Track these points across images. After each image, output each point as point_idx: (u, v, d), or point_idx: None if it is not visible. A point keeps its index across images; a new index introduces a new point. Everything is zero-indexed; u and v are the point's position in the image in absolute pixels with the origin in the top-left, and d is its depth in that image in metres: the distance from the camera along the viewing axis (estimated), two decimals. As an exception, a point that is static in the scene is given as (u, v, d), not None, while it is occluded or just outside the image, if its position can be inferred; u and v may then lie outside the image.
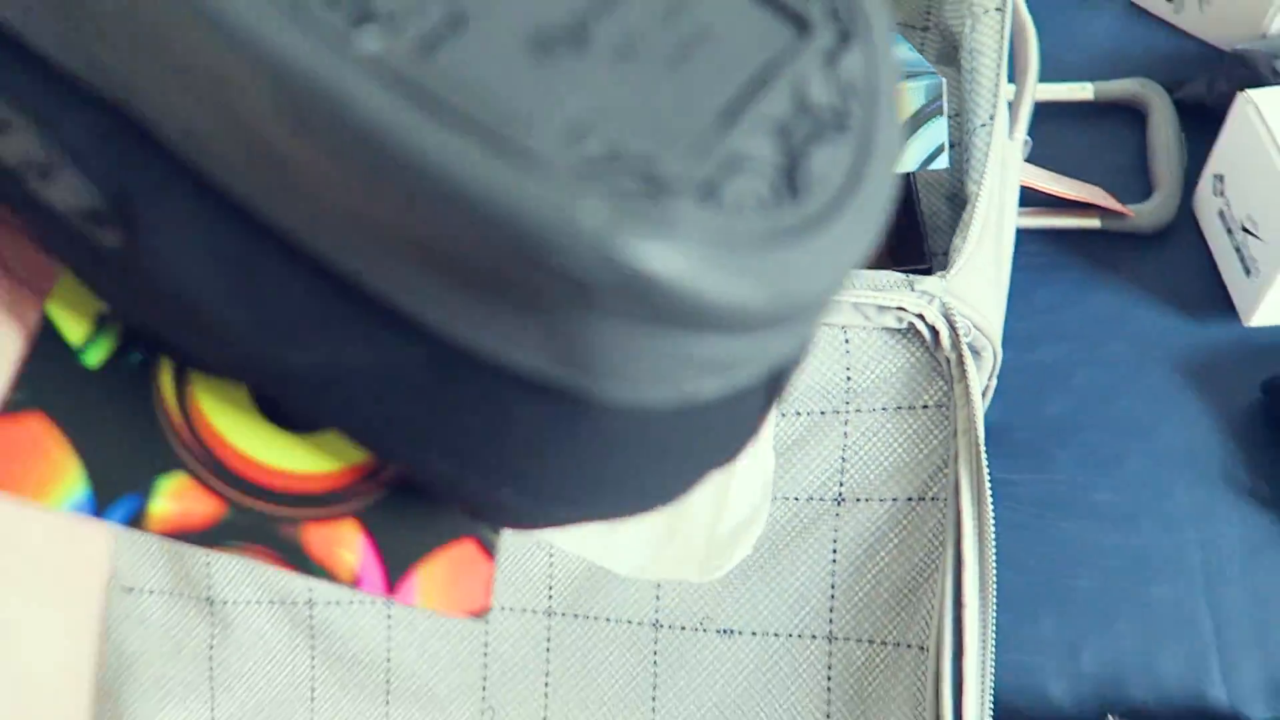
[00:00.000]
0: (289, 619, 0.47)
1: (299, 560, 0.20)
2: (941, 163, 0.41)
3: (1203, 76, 0.55)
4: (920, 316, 0.39)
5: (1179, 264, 0.53)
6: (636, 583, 0.45)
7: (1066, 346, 0.52)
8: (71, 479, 0.20)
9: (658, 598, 0.44)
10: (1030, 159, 0.53)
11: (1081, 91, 0.57)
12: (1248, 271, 0.49)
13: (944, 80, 0.40)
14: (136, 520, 0.20)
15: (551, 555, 0.45)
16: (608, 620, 0.45)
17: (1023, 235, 0.55)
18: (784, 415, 0.42)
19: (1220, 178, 0.50)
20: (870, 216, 0.15)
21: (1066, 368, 0.52)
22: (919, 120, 0.40)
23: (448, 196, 0.13)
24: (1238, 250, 0.50)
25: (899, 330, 0.40)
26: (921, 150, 0.40)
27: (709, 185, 0.14)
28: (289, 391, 0.17)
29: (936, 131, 0.40)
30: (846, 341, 0.41)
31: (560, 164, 0.14)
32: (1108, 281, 0.53)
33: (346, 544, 0.20)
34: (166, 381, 0.21)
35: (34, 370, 0.20)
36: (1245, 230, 0.49)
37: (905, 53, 0.45)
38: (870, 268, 0.40)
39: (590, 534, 0.33)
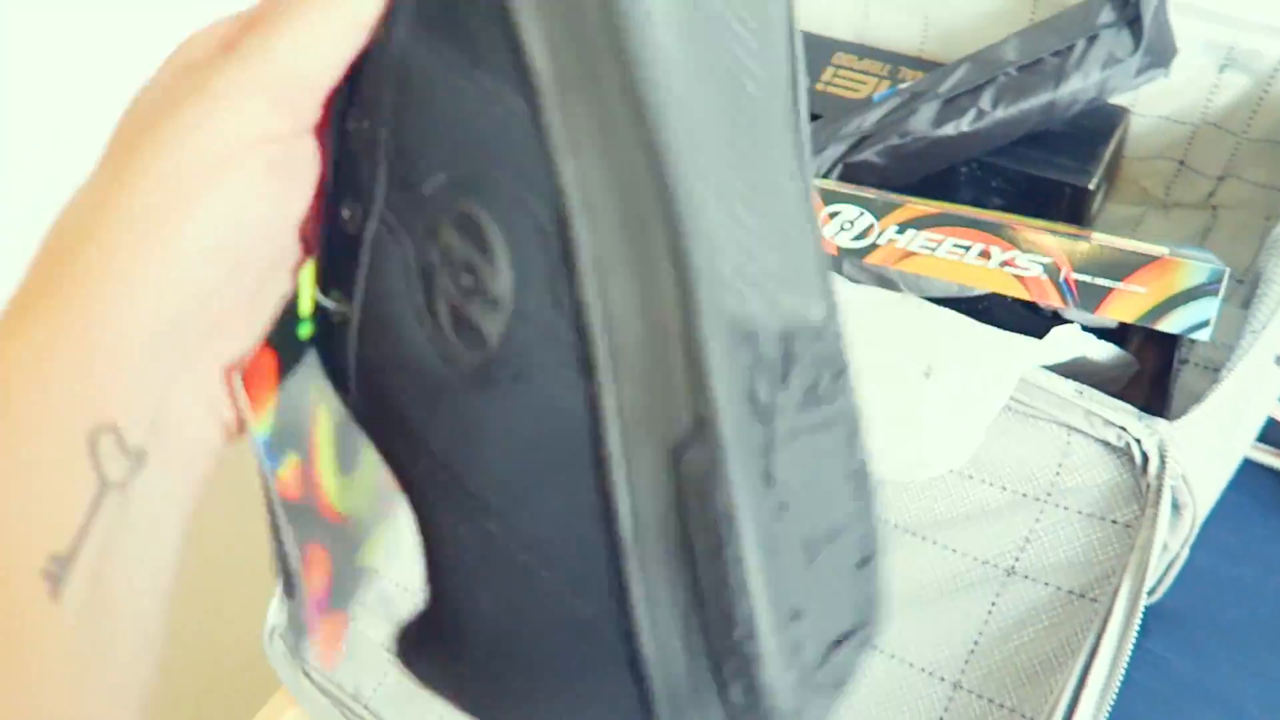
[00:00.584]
0: None
1: (304, 540, 0.25)
2: (1204, 336, 0.48)
3: None
4: (1138, 441, 0.46)
5: None
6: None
7: (1264, 576, 0.56)
8: (266, 421, 0.23)
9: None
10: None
11: (1367, 376, 0.61)
12: None
13: (1228, 270, 0.47)
14: (270, 473, 0.23)
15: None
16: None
17: (1261, 469, 0.60)
18: (989, 484, 0.49)
19: None
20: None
21: (1261, 593, 0.55)
22: (1194, 294, 0.47)
23: None
24: None
25: (1115, 447, 0.47)
26: (1188, 319, 0.48)
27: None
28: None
29: (1207, 308, 0.47)
30: (1068, 442, 0.48)
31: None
32: (1331, 538, 0.56)
33: (320, 567, 0.25)
34: (319, 383, 0.24)
35: (279, 319, 0.23)
36: None
37: (1200, 251, 0.53)
38: (1118, 397, 0.47)
39: None
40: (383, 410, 0.21)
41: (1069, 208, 0.67)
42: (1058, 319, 0.53)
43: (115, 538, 0.19)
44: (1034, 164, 0.67)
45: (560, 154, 0.18)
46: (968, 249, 0.51)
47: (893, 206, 0.52)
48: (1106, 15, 0.61)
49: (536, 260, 0.19)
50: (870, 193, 0.54)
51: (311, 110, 0.22)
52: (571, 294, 0.18)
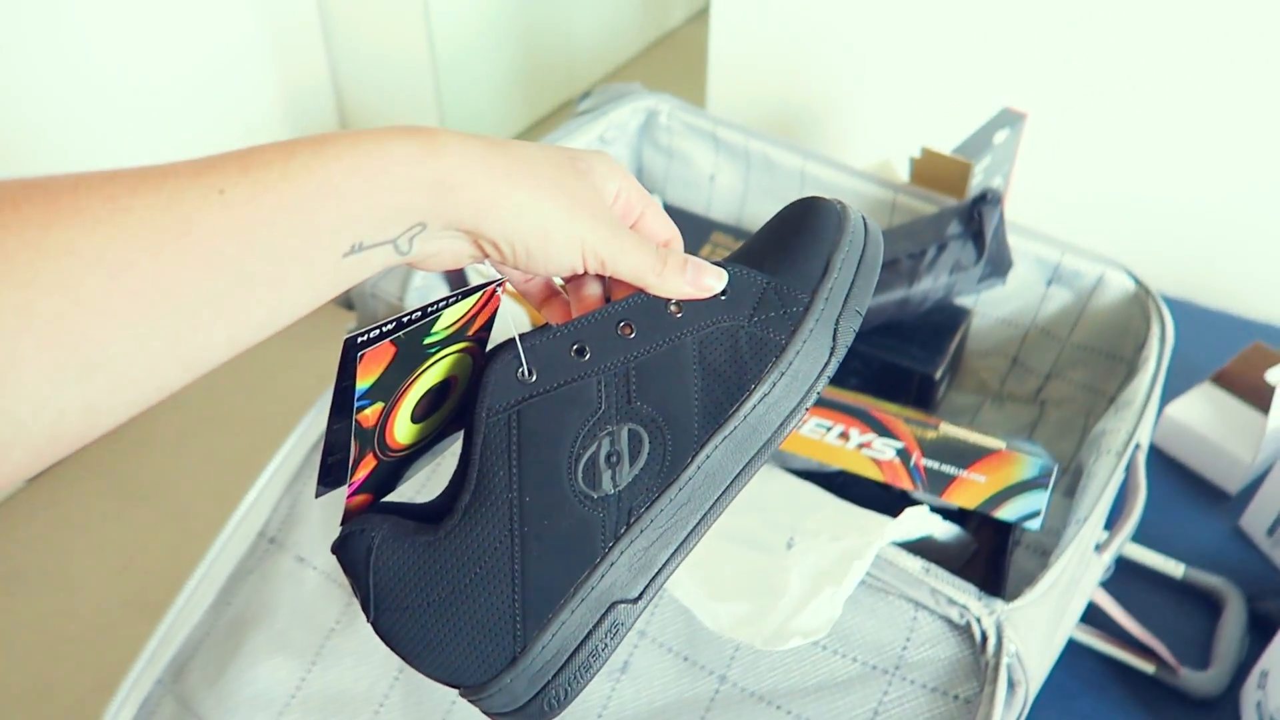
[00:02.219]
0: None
1: (355, 462, 0.36)
2: (1034, 525, 0.53)
3: (1278, 599, 0.65)
4: (978, 620, 0.49)
5: (1211, 733, 0.60)
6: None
7: (1091, 754, 0.59)
8: (370, 380, 0.34)
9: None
10: (1114, 597, 0.63)
11: (1174, 568, 0.68)
12: (1266, 755, 0.56)
13: (1057, 465, 0.53)
14: (359, 410, 0.35)
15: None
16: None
17: (1084, 649, 0.64)
18: (842, 656, 0.51)
19: (1265, 673, 0.59)
20: None
21: (1085, 771, 0.58)
22: (1027, 486, 0.52)
23: None
24: (1263, 737, 0.57)
25: (957, 625, 0.50)
26: (1021, 509, 0.52)
27: None
28: None
29: (1038, 500, 0.52)
30: (915, 617, 0.51)
31: None
32: (1143, 718, 0.61)
33: (366, 469, 0.37)
34: (422, 368, 0.36)
35: (413, 330, 0.35)
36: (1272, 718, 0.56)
37: (1031, 445, 0.58)
38: (958, 574, 0.51)
39: (697, 595, 0.44)
40: (509, 444, 0.35)
41: (917, 393, 0.73)
42: (906, 498, 0.57)
43: (365, 264, 0.32)
44: (888, 351, 0.73)
45: (688, 471, 0.35)
46: (829, 429, 0.55)
47: (763, 384, 0.56)
48: (954, 228, 0.69)
49: (646, 482, 0.35)
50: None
51: (588, 293, 0.38)
52: (639, 516, 0.35)
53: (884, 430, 0.54)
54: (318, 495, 0.38)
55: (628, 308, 0.36)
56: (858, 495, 0.57)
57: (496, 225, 0.33)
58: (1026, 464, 0.52)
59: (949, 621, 0.50)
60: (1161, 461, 0.78)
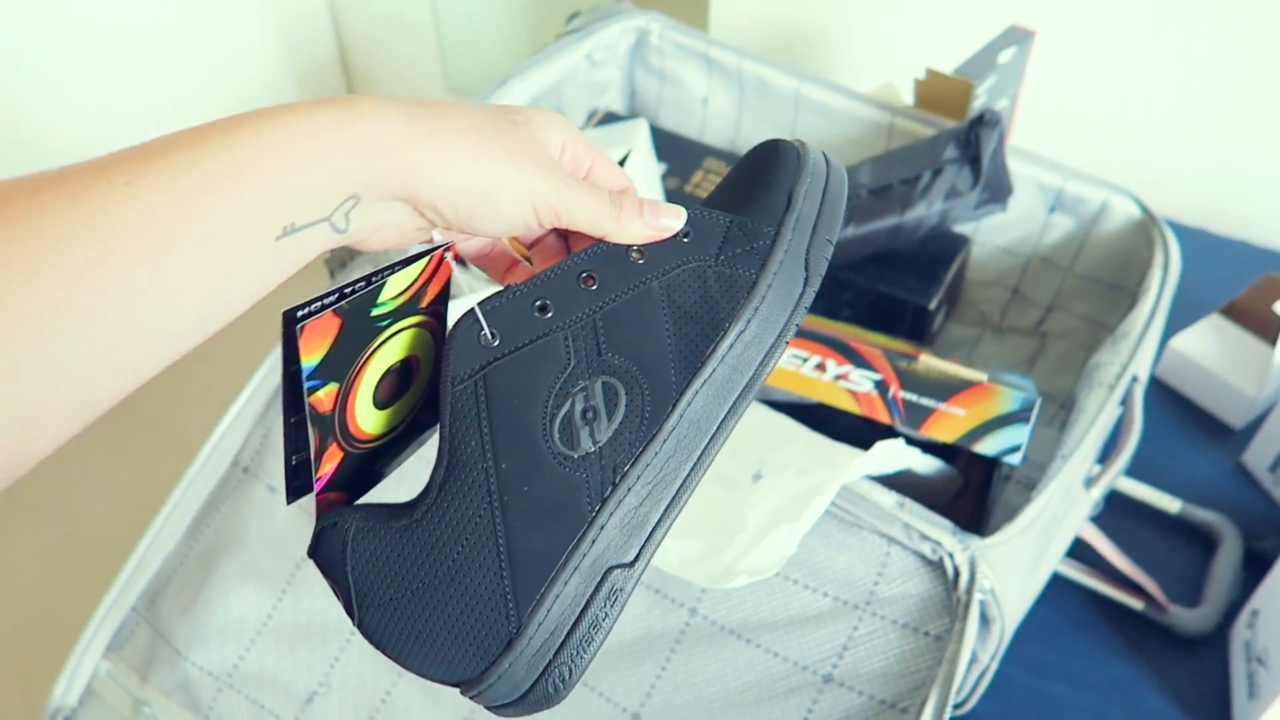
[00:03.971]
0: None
1: (318, 454, 0.35)
2: (1015, 460, 0.51)
3: (1276, 538, 0.63)
4: (951, 555, 0.48)
5: (1196, 672, 0.59)
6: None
7: (1074, 692, 0.58)
8: (316, 357, 0.33)
9: (650, 690, 0.51)
10: (1106, 533, 0.62)
11: (1170, 504, 0.66)
12: (1251, 694, 0.54)
13: (1039, 400, 0.51)
14: (311, 391, 0.33)
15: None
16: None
17: (1071, 585, 0.63)
18: (813, 590, 0.50)
19: (1256, 612, 0.57)
20: None
21: (1066, 709, 0.57)
22: (1008, 420, 0.50)
23: None
24: (1249, 677, 0.55)
25: (930, 560, 0.49)
26: (1001, 443, 0.51)
27: None
28: None
29: (1019, 434, 0.50)
30: (888, 553, 0.49)
31: None
32: (1129, 658, 0.60)
33: (332, 461, 0.36)
34: (374, 344, 0.35)
35: (358, 299, 0.34)
36: (1259, 660, 0.55)
37: (1019, 378, 0.56)
38: (944, 511, 0.49)
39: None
40: (479, 411, 0.34)
41: (911, 325, 0.71)
42: (891, 433, 0.55)
43: (302, 246, 0.30)
44: (881, 281, 0.71)
45: (670, 421, 0.34)
46: (805, 360, 0.53)
47: (738, 313, 0.54)
48: (951, 152, 0.66)
49: (627, 441, 0.33)
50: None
51: (548, 246, 0.38)
52: (623, 474, 0.33)
53: (862, 362, 0.52)
54: (289, 502, 0.36)
55: (588, 258, 0.35)
56: (842, 429, 0.55)
57: (436, 186, 0.31)
58: (1007, 397, 0.50)
59: (922, 557, 0.49)
60: (1166, 395, 0.76)
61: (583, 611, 0.32)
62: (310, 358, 0.32)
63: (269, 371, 0.63)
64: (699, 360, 0.34)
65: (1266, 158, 0.92)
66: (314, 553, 0.34)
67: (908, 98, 0.86)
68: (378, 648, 0.33)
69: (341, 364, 0.34)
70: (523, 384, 0.33)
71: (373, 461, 0.38)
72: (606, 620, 0.33)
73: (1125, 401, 0.58)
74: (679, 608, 0.52)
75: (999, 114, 0.65)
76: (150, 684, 0.56)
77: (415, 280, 0.35)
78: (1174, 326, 0.74)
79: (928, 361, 0.51)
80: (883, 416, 0.52)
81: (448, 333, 0.34)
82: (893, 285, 0.70)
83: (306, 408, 0.33)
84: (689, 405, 0.33)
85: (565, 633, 0.32)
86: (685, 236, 0.35)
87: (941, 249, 0.73)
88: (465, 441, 0.33)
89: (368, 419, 0.36)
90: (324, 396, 0.34)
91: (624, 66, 0.85)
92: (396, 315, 0.35)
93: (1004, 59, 0.76)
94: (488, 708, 0.33)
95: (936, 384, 0.51)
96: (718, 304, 0.34)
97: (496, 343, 0.34)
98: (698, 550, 0.43)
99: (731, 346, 0.34)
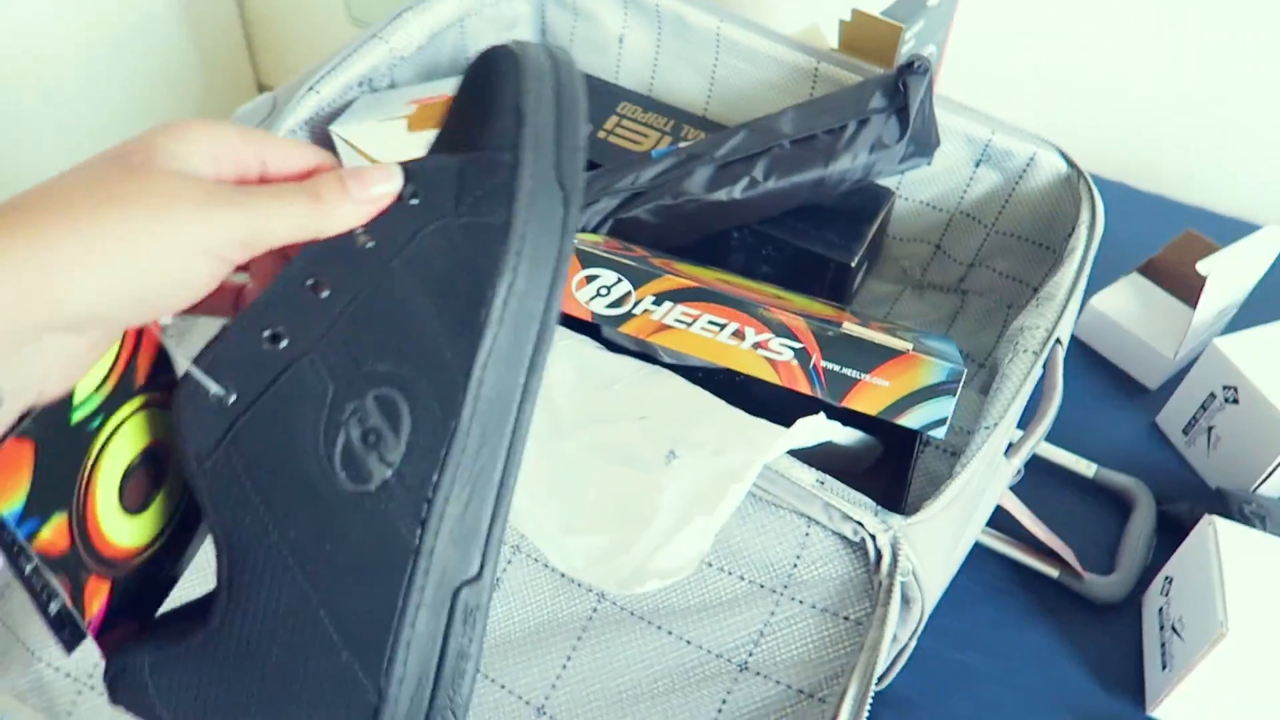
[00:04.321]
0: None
1: (76, 596, 0.29)
2: (939, 434, 0.48)
3: (1188, 501, 0.62)
4: (873, 537, 0.45)
5: (1111, 639, 0.58)
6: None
7: (989, 662, 0.57)
8: (19, 496, 0.27)
9: (553, 687, 0.48)
10: (1021, 497, 0.60)
11: (1085, 468, 0.65)
12: (1164, 665, 0.54)
13: (965, 371, 0.48)
14: (31, 536, 0.27)
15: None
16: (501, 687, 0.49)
17: (987, 553, 0.62)
18: (728, 574, 0.48)
19: (1170, 579, 0.57)
20: None
21: (982, 679, 0.57)
22: (933, 392, 0.48)
23: None
24: (1163, 646, 0.55)
25: (851, 542, 0.46)
26: (926, 416, 0.48)
27: None
28: None
29: (944, 407, 0.48)
30: (806, 534, 0.47)
31: None
32: (1044, 626, 0.59)
33: (99, 596, 0.30)
34: (94, 450, 0.29)
35: (45, 410, 0.27)
36: (1173, 629, 0.54)
37: (942, 344, 0.53)
38: (855, 487, 0.47)
39: (550, 529, 0.39)
40: (240, 484, 0.28)
41: (832, 282, 0.68)
42: (813, 402, 0.52)
43: None
44: (802, 237, 0.67)
45: (465, 409, 0.29)
46: (722, 327, 0.49)
47: (651, 276, 0.50)
48: (877, 101, 0.62)
49: (424, 451, 0.29)
50: (631, 258, 0.52)
51: (263, 258, 0.31)
52: (434, 485, 0.29)
53: (782, 329, 0.48)
54: (69, 654, 0.30)
55: (308, 261, 0.29)
56: (762, 397, 0.52)
57: (77, 306, 0.24)
58: (933, 368, 0.47)
59: (843, 538, 0.46)
60: (1083, 354, 0.75)
61: (444, 647, 0.29)
62: (9, 501, 0.26)
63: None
64: (474, 332, 0.29)
65: (1186, 114, 0.92)
66: (117, 700, 0.30)
67: (833, 41, 0.82)
68: None
69: (57, 490, 0.28)
70: (281, 434, 0.28)
71: (155, 571, 0.32)
72: (472, 645, 0.29)
73: (1047, 364, 0.56)
74: (586, 593, 0.49)
75: (929, 61, 0.61)
76: None
77: (114, 364, 0.30)
78: (1091, 284, 0.73)
79: (850, 329, 0.48)
80: (803, 387, 0.49)
81: (175, 398, 0.29)
82: (813, 241, 0.67)
83: (34, 557, 0.27)
84: (480, 384, 0.29)
85: (434, 676, 0.29)
86: (413, 198, 0.30)
87: (864, 203, 0.70)
88: (238, 522, 0.28)
89: (124, 533, 0.31)
90: (52, 535, 0.28)
91: (534, 0, 0.79)
92: (107, 409, 0.30)
93: (933, 2, 0.73)
94: None
95: (860, 353, 0.48)
96: (473, 262, 0.29)
97: (233, 399, 0.28)
98: (603, 547, 0.40)
99: (506, 303, 0.29)
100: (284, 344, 0.29)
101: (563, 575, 0.49)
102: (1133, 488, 0.64)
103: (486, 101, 0.32)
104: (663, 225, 0.65)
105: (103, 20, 1.43)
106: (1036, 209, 0.68)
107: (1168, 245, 0.74)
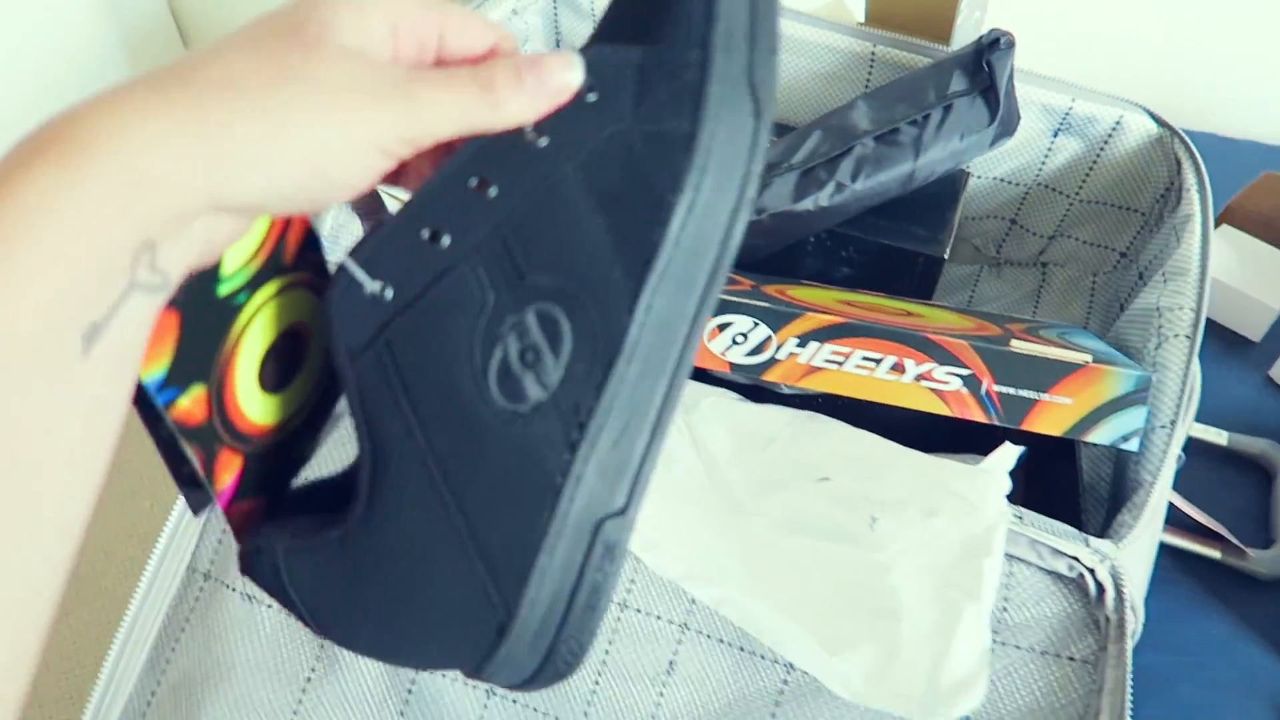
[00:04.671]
0: (390, 675, 0.47)
1: (208, 468, 0.29)
2: (1133, 446, 0.45)
3: (1330, 455, 0.60)
4: (1091, 571, 0.42)
5: (1285, 615, 0.56)
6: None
7: (1170, 660, 0.55)
8: (161, 364, 0.27)
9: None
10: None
11: (1217, 436, 0.63)
12: (1358, 639, 0.52)
13: (1152, 378, 0.45)
14: (169, 404, 0.27)
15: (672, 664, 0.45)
16: None
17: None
18: (931, 626, 0.44)
19: (1342, 547, 0.54)
20: None
21: (1167, 680, 0.54)
22: (1122, 404, 0.44)
23: None
24: (1349, 617, 0.53)
25: (1065, 578, 0.43)
26: (1116, 430, 0.45)
27: None
28: None
29: (1135, 418, 0.44)
30: (1010, 574, 0.43)
31: None
32: (1217, 609, 0.56)
33: (230, 469, 0.30)
34: (238, 325, 0.29)
35: (192, 281, 0.27)
36: (1362, 600, 0.52)
37: (1108, 350, 0.50)
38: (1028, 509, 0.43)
39: (813, 653, 0.35)
40: (391, 386, 0.27)
41: (921, 276, 0.64)
42: (966, 425, 0.48)
43: (123, 332, 0.23)
44: (885, 234, 0.63)
45: (629, 336, 0.27)
46: (878, 362, 0.45)
47: (791, 316, 0.46)
48: (959, 83, 0.58)
49: (582, 375, 0.27)
50: (758, 296, 0.48)
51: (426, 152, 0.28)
52: (589, 412, 0.27)
53: (946, 356, 0.45)
54: (195, 514, 0.30)
55: (472, 157, 0.27)
56: (889, 421, 0.48)
57: (236, 190, 0.23)
58: (1119, 378, 0.44)
59: (1052, 574, 0.43)
60: (1172, 312, 0.72)
61: (580, 578, 0.27)
62: (152, 368, 0.26)
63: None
64: (648, 252, 0.27)
65: (1232, 53, 0.89)
66: (246, 573, 0.29)
67: (859, 14, 0.78)
68: (354, 651, 0.29)
69: (198, 362, 0.28)
70: (436, 340, 0.27)
71: (288, 449, 0.32)
72: (608, 580, 0.28)
73: (1185, 342, 0.53)
74: (771, 664, 0.45)
75: (1010, 36, 0.58)
76: None
77: (263, 240, 0.29)
78: (1178, 239, 0.70)
79: (1019, 346, 0.45)
80: (977, 415, 0.45)
81: (330, 291, 0.28)
82: (899, 237, 0.63)
83: (171, 425, 0.27)
84: (648, 310, 0.27)
85: (565, 605, 0.27)
86: (590, 92, 0.28)
87: (940, 189, 0.66)
88: (385, 426, 0.27)
89: (261, 411, 0.31)
90: (190, 405, 0.28)
91: (545, 10, 0.74)
92: (253, 285, 0.29)
93: (980, -34, 0.69)
94: (500, 687, 0.30)
95: (1035, 372, 0.44)
96: (652, 175, 0.27)
97: (389, 296, 0.27)
98: (874, 659, 0.36)
99: (685, 225, 0.27)
100: (445, 242, 0.27)
101: (741, 649, 0.45)
102: (1270, 451, 0.61)
103: None
104: (743, 244, 0.61)
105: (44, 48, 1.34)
106: (1124, 173, 0.65)
107: (1246, 190, 0.71)
